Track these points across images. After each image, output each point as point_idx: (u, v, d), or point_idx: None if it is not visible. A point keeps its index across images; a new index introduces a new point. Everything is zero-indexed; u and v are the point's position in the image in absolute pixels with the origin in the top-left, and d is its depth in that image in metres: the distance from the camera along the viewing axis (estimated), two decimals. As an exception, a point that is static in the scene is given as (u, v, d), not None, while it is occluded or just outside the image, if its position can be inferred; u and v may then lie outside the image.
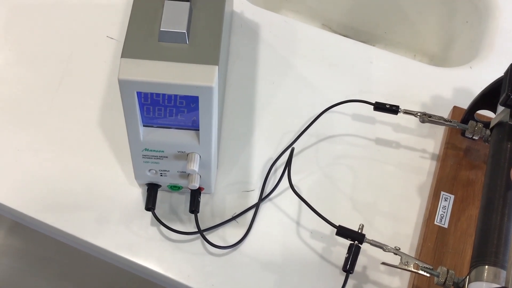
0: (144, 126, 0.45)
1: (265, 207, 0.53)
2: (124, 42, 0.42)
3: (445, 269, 0.44)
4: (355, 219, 0.53)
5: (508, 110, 0.49)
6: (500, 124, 0.49)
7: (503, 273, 0.41)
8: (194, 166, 0.46)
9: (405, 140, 0.58)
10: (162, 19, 0.42)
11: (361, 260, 0.50)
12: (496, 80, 0.50)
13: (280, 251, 0.51)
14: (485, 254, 0.42)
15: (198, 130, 0.45)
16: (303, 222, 0.52)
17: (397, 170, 0.56)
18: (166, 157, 0.47)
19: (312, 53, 0.63)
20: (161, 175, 0.49)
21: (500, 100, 0.46)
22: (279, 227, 0.52)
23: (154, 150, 0.46)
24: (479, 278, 0.41)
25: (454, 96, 0.61)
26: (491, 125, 0.51)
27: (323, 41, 0.65)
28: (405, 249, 0.51)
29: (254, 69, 0.62)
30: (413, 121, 0.59)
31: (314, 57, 0.63)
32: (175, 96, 0.42)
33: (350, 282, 0.49)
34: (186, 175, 0.49)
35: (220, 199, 0.53)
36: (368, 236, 0.48)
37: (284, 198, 0.54)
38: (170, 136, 0.45)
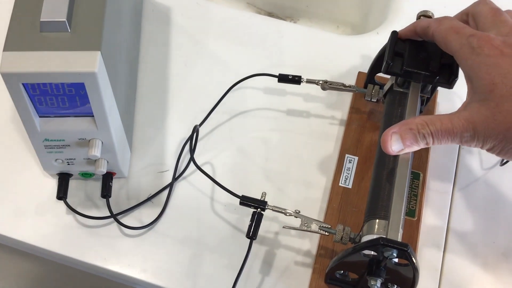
0: (40, 117, 0.46)
1: (179, 186, 0.55)
2: (6, 35, 0.43)
3: (341, 226, 0.46)
4: (268, 188, 0.54)
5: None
6: (391, 88, 0.51)
7: (392, 225, 0.43)
8: (96, 152, 0.47)
9: (314, 109, 0.60)
10: (42, 9, 0.43)
11: (273, 226, 0.52)
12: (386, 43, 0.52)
13: (195, 226, 0.52)
14: (375, 209, 0.44)
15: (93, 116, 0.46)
16: (216, 196, 0.54)
17: (308, 138, 0.58)
18: (69, 145, 0.48)
19: (224, 32, 0.65)
20: (69, 164, 0.50)
21: (382, 68, 0.48)
22: (194, 204, 0.54)
23: (55, 140, 0.47)
24: (370, 232, 0.44)
25: (361, 62, 0.62)
26: (384, 90, 0.53)
27: (234, 20, 0.66)
28: (315, 212, 0.53)
29: (166, 52, 0.63)
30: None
31: (225, 37, 0.64)
32: (62, 84, 0.43)
33: (263, 248, 0.51)
34: (93, 161, 0.50)
35: (135, 182, 0.54)
36: (280, 203, 0.50)
37: (198, 176, 0.55)
38: (67, 124, 0.46)
